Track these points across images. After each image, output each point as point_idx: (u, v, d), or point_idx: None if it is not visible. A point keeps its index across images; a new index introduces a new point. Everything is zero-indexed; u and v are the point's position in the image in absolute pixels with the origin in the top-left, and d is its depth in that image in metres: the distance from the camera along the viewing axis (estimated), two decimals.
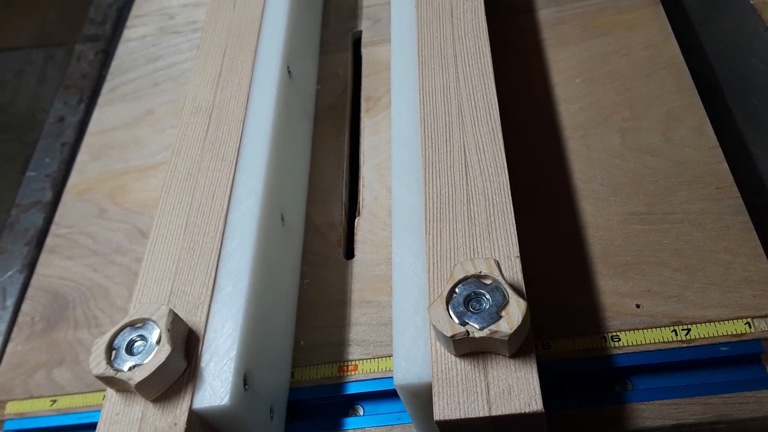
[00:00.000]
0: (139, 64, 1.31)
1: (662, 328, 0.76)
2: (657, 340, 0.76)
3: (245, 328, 0.73)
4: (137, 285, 0.79)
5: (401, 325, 0.70)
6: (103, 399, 0.72)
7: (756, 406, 0.72)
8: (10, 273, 1.08)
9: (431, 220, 0.75)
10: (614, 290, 0.80)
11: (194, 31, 1.33)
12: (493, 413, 0.61)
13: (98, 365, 0.68)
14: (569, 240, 0.86)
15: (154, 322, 0.70)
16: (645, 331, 0.76)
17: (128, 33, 1.38)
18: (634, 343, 0.76)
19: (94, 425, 0.78)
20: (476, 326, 0.62)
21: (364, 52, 1.17)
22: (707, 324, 0.76)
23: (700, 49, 1.06)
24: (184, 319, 0.72)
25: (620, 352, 0.76)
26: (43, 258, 1.06)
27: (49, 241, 1.08)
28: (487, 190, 0.76)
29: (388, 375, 0.81)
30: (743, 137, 0.96)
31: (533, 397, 0.61)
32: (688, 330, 0.76)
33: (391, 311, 0.76)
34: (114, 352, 0.69)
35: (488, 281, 0.65)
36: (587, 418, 0.74)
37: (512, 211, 0.74)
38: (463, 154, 0.80)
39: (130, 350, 0.69)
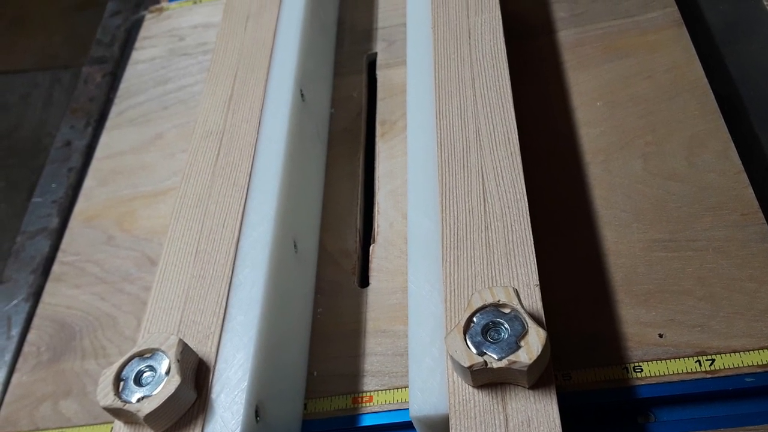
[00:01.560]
0: (147, 86, 1.32)
1: (686, 359, 0.76)
2: (680, 371, 0.76)
3: (257, 358, 0.73)
4: (146, 314, 0.79)
5: (417, 356, 0.71)
6: (111, 431, 0.72)
7: None
8: (15, 302, 1.09)
9: (448, 248, 0.75)
10: (636, 319, 0.80)
11: (205, 52, 1.34)
12: None
13: (106, 396, 0.68)
14: (590, 268, 0.86)
15: (163, 352, 0.70)
16: (668, 361, 0.76)
17: (137, 55, 1.39)
18: (657, 374, 0.76)
19: None
20: (494, 356, 0.63)
21: (379, 74, 1.18)
22: (732, 354, 0.76)
23: (725, 71, 1.06)
24: (194, 349, 0.72)
25: (642, 383, 0.76)
26: (50, 286, 1.07)
27: (56, 268, 1.09)
28: (506, 217, 0.76)
29: (404, 407, 0.81)
30: None
31: (553, 429, 0.62)
32: (713, 360, 0.76)
33: (407, 341, 0.76)
34: (122, 383, 0.69)
35: (507, 310, 0.66)
36: None
37: (531, 238, 0.74)
38: (480, 180, 0.80)
39: (138, 381, 0.69)
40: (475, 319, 0.66)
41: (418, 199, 0.83)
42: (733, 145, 0.92)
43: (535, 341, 0.63)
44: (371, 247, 0.96)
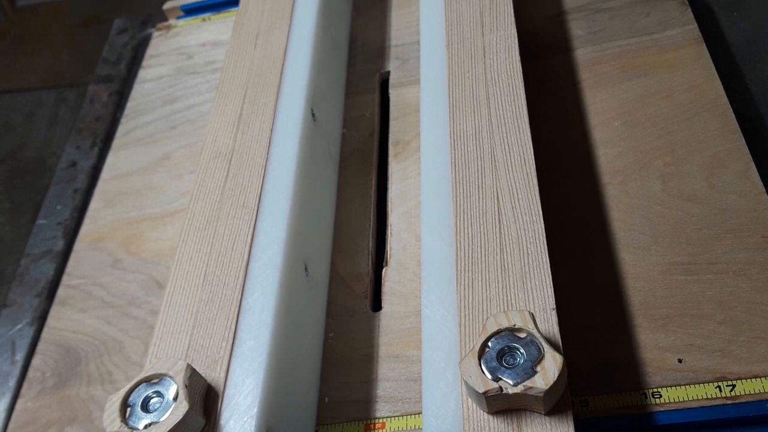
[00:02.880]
0: (155, 106, 1.32)
1: (705, 384, 0.76)
2: (700, 397, 0.76)
3: (267, 384, 0.73)
4: (153, 339, 0.79)
5: (431, 381, 0.71)
6: None
7: None
8: (19, 326, 1.09)
9: (462, 271, 0.76)
10: (655, 344, 0.81)
11: (213, 71, 1.34)
12: None
13: (112, 423, 0.69)
14: (608, 291, 0.86)
15: (171, 377, 0.70)
16: (687, 387, 0.77)
17: (144, 73, 1.40)
18: (676, 400, 0.76)
19: None
20: (510, 382, 0.63)
21: (392, 93, 1.18)
22: (753, 380, 0.76)
23: (746, 90, 1.06)
24: (203, 375, 0.72)
25: (661, 409, 0.76)
26: (55, 310, 1.07)
27: (61, 292, 1.09)
28: (522, 239, 0.76)
29: None
30: None
31: None
32: (733, 386, 0.76)
33: (421, 366, 0.76)
34: (129, 410, 0.69)
35: (523, 335, 0.66)
36: None
37: (548, 261, 0.74)
38: (496, 201, 0.80)
39: (145, 407, 0.69)
40: (490, 343, 0.66)
41: (431, 220, 0.83)
42: (754, 165, 0.92)
43: (551, 366, 0.63)
44: (384, 270, 0.97)
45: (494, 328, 0.66)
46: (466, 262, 0.76)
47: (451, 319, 0.74)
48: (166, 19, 1.50)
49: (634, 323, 0.83)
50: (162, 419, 0.68)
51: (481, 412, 0.66)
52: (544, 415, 0.64)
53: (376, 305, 0.94)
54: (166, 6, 1.50)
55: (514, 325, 0.66)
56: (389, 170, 1.07)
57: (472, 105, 0.91)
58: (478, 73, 0.94)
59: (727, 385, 0.76)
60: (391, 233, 1.00)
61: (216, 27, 1.43)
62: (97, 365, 0.98)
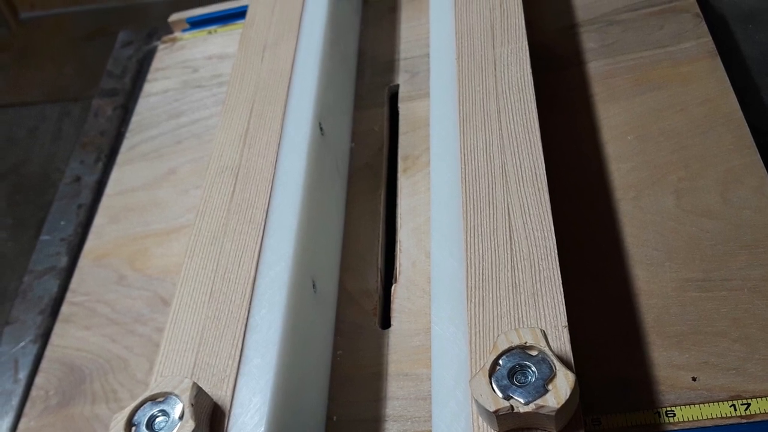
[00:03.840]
0: (160, 120, 1.33)
1: (720, 403, 0.76)
2: (715, 416, 0.76)
3: (274, 402, 0.73)
4: (158, 356, 0.79)
5: (441, 400, 0.71)
6: None
7: None
8: (22, 344, 1.09)
9: (473, 287, 0.76)
10: (669, 362, 0.81)
11: (219, 85, 1.35)
12: None
13: None
14: (620, 308, 0.86)
15: (176, 396, 0.70)
16: (702, 405, 0.77)
17: (149, 87, 1.41)
18: (691, 419, 0.76)
19: None
20: (521, 400, 0.63)
21: (402, 107, 1.18)
22: None
23: (761, 104, 1.06)
24: (209, 393, 0.73)
25: (675, 428, 0.76)
26: (58, 328, 1.08)
27: (65, 309, 1.09)
28: (533, 255, 0.77)
29: None
30: None
31: None
32: (748, 404, 0.76)
33: (430, 385, 0.76)
34: (134, 429, 0.70)
35: (534, 352, 0.66)
36: None
37: (560, 278, 0.74)
38: (507, 217, 0.81)
39: (151, 426, 0.69)
40: (501, 361, 0.66)
41: (441, 236, 0.83)
42: None
43: (563, 385, 0.63)
44: (393, 287, 0.97)
45: (505, 346, 0.66)
46: (477, 279, 0.76)
47: (462, 337, 0.74)
48: (171, 32, 1.51)
49: (648, 341, 0.83)
50: None
51: (492, 431, 0.66)
52: None
53: (385, 322, 0.94)
54: (172, 18, 1.50)
55: (526, 343, 0.66)
56: (398, 185, 1.07)
57: (482, 119, 0.91)
58: (488, 86, 0.94)
59: (742, 404, 0.76)
60: (400, 249, 1.00)
61: (222, 40, 1.44)
62: (102, 383, 0.99)
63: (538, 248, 0.77)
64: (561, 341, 0.70)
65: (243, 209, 0.90)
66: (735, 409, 0.76)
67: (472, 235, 0.80)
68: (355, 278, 0.99)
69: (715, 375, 0.78)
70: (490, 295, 0.75)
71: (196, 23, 1.49)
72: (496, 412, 0.63)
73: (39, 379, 1.03)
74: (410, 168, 1.09)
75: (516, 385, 0.64)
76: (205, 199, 0.92)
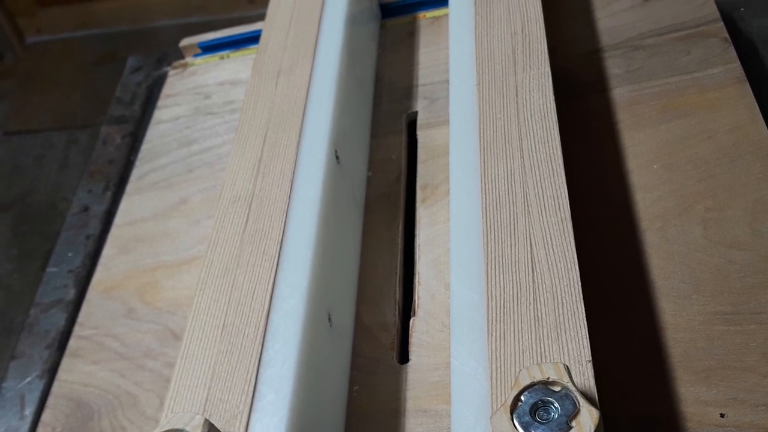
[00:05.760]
0: (171, 148, 1.33)
1: None
2: None
3: None
4: (169, 392, 0.80)
5: None
6: None
7: None
8: (29, 379, 1.10)
9: (494, 321, 0.76)
10: (696, 398, 0.80)
11: (232, 111, 1.35)
12: None
13: None
14: (646, 342, 0.86)
15: None
16: None
17: (159, 114, 1.41)
18: None
19: None
20: None
21: (420, 135, 1.18)
22: None
23: None
24: (222, 430, 0.73)
25: None
26: (66, 362, 1.08)
27: (72, 343, 1.10)
28: (556, 288, 0.77)
29: None
30: None
31: None
32: None
33: (450, 421, 0.76)
34: None
35: (557, 388, 0.66)
36: None
37: (583, 311, 0.74)
38: (529, 248, 0.81)
39: None
40: (522, 397, 0.66)
41: (461, 268, 0.83)
42: None
43: (587, 421, 0.63)
44: (411, 321, 0.97)
45: (527, 381, 0.66)
46: (498, 312, 0.76)
47: (482, 372, 0.74)
48: (182, 57, 1.52)
49: (674, 376, 0.83)
50: None
51: None
52: None
53: (403, 357, 0.95)
54: (183, 43, 1.51)
55: (548, 378, 0.66)
56: (417, 215, 1.08)
57: (503, 147, 0.91)
58: (510, 113, 0.95)
59: None
60: (418, 281, 1.00)
61: (235, 65, 1.45)
62: (110, 420, 0.99)
63: (561, 280, 0.77)
64: (585, 376, 0.70)
65: (256, 240, 0.90)
66: None
67: (493, 266, 0.80)
68: (372, 311, 1.00)
69: (744, 411, 0.78)
70: (512, 329, 0.75)
71: (208, 48, 1.50)
72: None
73: (46, 416, 1.03)
74: (429, 198, 1.09)
75: (538, 422, 0.64)
76: (217, 230, 0.93)
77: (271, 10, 1.22)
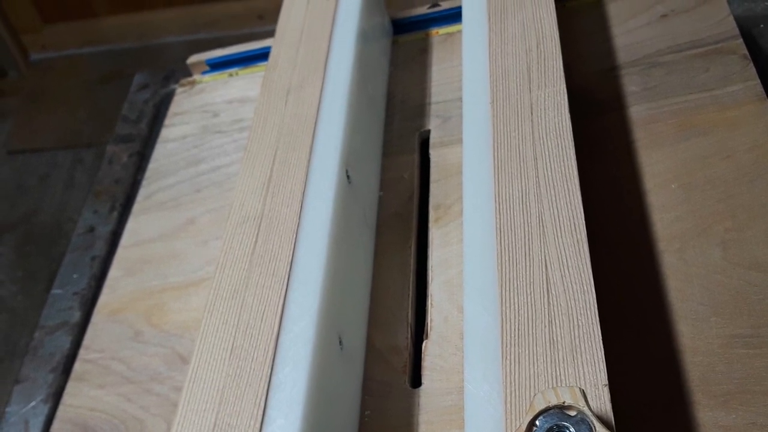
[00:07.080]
0: (178, 167, 1.34)
1: None
2: None
3: None
4: (177, 417, 0.80)
5: None
6: None
7: None
8: (33, 403, 1.10)
9: (508, 344, 0.76)
10: (715, 423, 0.80)
11: (241, 130, 1.36)
12: None
13: None
14: (663, 366, 0.86)
15: None
16: None
17: (166, 133, 1.42)
18: None
19: None
20: None
21: (433, 154, 1.18)
22: None
23: None
24: None
25: None
26: (71, 386, 1.08)
27: (77, 367, 1.10)
28: (572, 310, 0.77)
29: None
30: None
31: None
32: None
33: None
34: None
35: (573, 412, 0.66)
36: None
37: (600, 334, 0.74)
38: (544, 269, 0.81)
39: None
40: (538, 422, 0.66)
41: (475, 290, 0.84)
42: None
43: None
44: (424, 344, 0.97)
45: (542, 406, 0.67)
46: (513, 335, 0.76)
47: (496, 396, 0.74)
48: (190, 74, 1.52)
49: (693, 400, 0.83)
50: None
51: None
52: None
53: (416, 381, 0.94)
54: (191, 60, 1.51)
55: (564, 403, 0.66)
56: (429, 236, 1.08)
57: (518, 166, 0.91)
58: (525, 131, 0.95)
59: None
60: (431, 304, 1.00)
61: (244, 83, 1.45)
62: None
63: (577, 302, 0.77)
64: (601, 401, 0.70)
65: (266, 261, 0.90)
66: None
67: (507, 288, 0.80)
68: (384, 334, 1.00)
69: None
70: (527, 352, 0.75)
71: (216, 65, 1.50)
72: None
73: None
74: (442, 218, 1.09)
75: None
76: (225, 251, 0.93)
77: (281, 26, 1.23)
